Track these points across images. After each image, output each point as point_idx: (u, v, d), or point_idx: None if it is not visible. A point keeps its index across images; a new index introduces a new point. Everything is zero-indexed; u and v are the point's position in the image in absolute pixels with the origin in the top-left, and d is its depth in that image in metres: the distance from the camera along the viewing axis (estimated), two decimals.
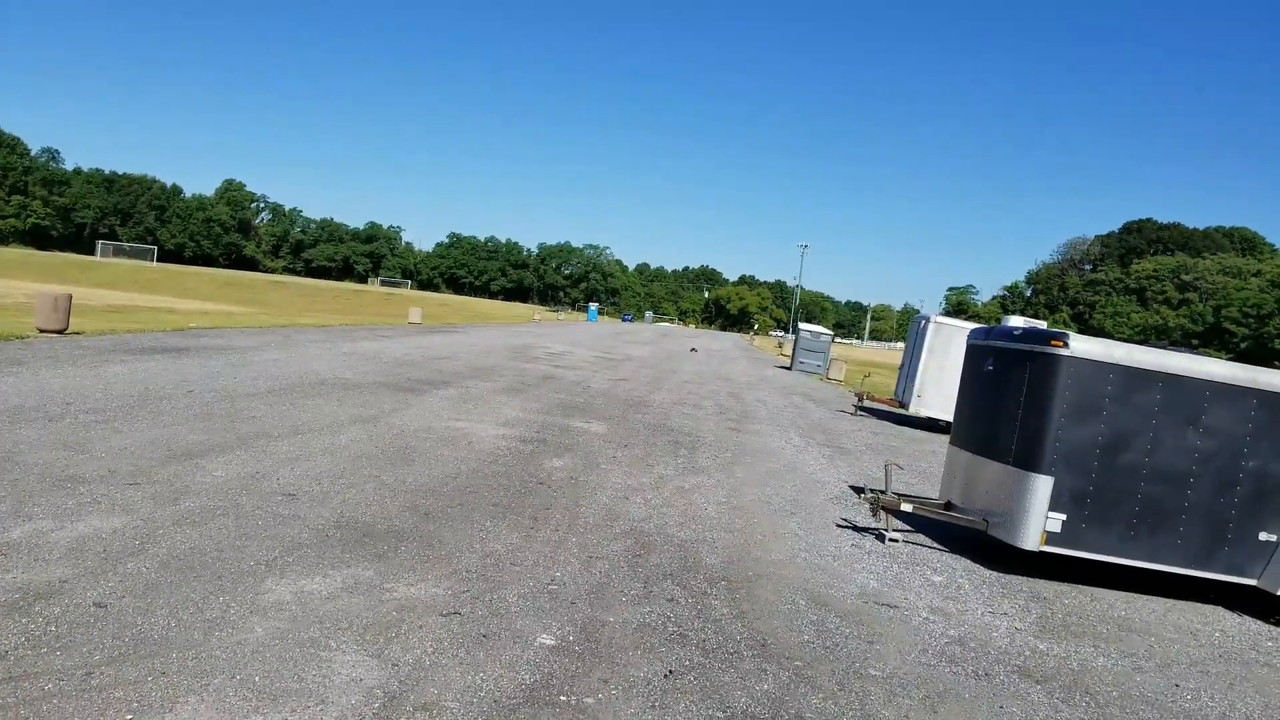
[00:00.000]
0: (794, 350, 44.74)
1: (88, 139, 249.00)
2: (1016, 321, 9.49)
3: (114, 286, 49.33)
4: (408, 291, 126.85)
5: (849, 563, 7.91)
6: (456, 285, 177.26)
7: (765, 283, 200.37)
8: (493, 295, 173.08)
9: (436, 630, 5.07)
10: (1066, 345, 8.23)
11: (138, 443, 8.92)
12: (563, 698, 4.43)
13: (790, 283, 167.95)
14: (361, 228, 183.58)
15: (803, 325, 45.79)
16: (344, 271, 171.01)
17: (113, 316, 25.43)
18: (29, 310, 21.11)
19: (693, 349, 45.48)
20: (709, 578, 6.81)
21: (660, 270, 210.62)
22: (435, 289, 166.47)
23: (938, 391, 20.99)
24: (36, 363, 13.92)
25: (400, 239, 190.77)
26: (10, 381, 11.81)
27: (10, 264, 67.06)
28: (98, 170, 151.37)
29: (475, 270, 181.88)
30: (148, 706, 3.84)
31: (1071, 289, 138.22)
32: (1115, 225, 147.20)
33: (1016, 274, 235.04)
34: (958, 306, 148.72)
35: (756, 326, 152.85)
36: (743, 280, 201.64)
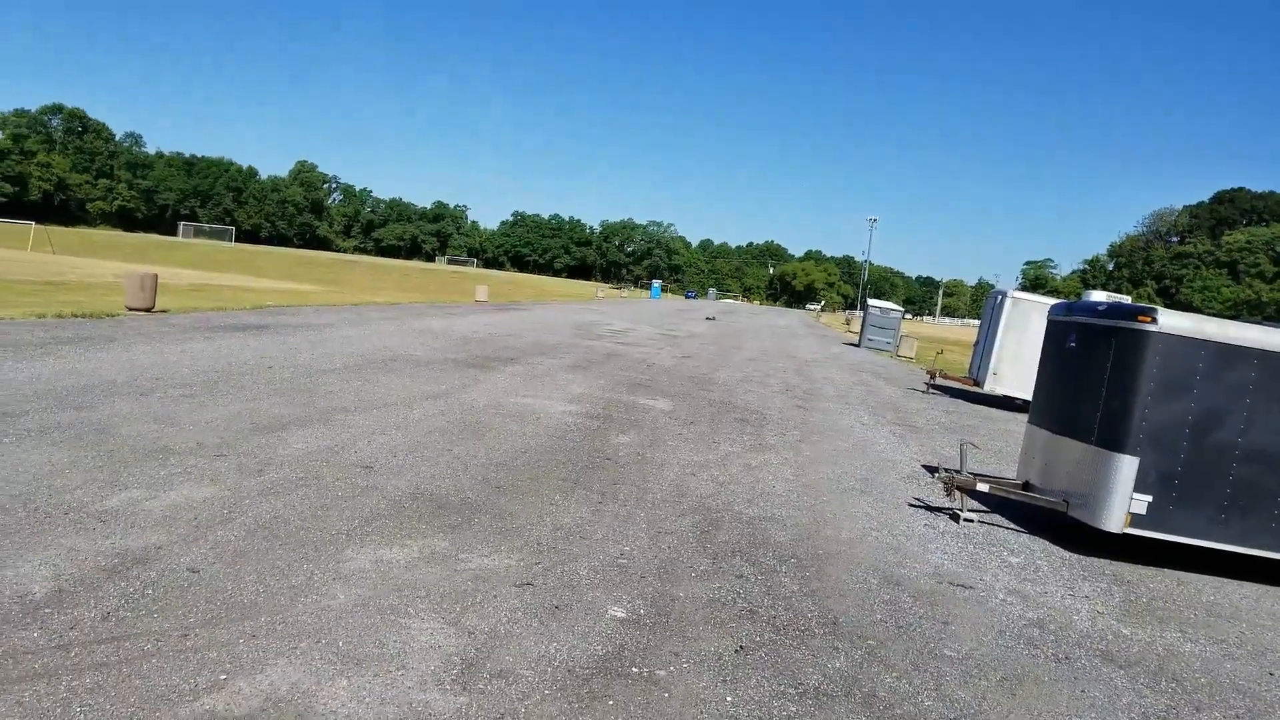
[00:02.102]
0: (862, 327, 44.04)
1: (168, 123, 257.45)
2: (1099, 296, 9.17)
3: (195, 266, 51.02)
4: (474, 270, 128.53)
5: (922, 542, 7.80)
6: (521, 263, 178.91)
7: (832, 258, 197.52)
8: (556, 273, 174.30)
9: (510, 600, 5.18)
10: (1155, 321, 7.94)
11: (223, 416, 9.26)
12: (635, 669, 4.48)
13: (858, 258, 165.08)
14: (429, 207, 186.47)
15: (871, 301, 45.04)
16: (412, 250, 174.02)
17: (195, 295, 26.36)
18: (118, 289, 22.00)
19: (709, 317, 42.13)
20: (778, 555, 6.79)
21: (724, 246, 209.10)
22: (500, 267, 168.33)
23: (1014, 369, 20.47)
24: (127, 339, 14.53)
25: (466, 218, 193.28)
26: (104, 358, 12.36)
27: (99, 245, 69.86)
28: (178, 154, 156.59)
29: (539, 248, 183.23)
30: (240, 667, 4.01)
31: (1157, 262, 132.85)
32: (1205, 195, 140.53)
33: (1098, 247, 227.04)
34: (1035, 281, 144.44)
35: (823, 303, 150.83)
36: (808, 256, 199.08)
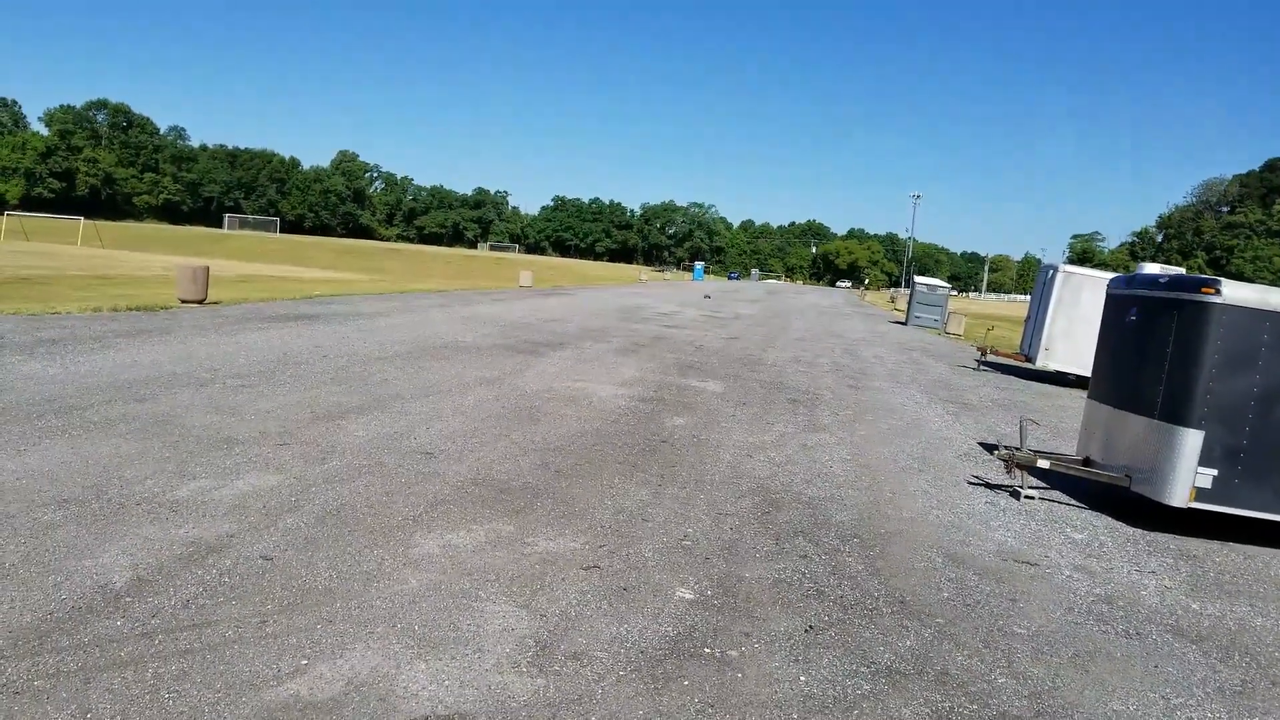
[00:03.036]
0: (909, 305, 43.44)
1: (210, 116, 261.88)
2: (1153, 269, 8.91)
3: (242, 257, 52.06)
4: (516, 255, 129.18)
5: (984, 520, 7.68)
6: (562, 248, 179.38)
7: (875, 236, 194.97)
8: (597, 257, 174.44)
9: (579, 583, 5.20)
10: (1218, 293, 7.70)
11: (282, 405, 9.42)
12: (706, 650, 4.48)
13: (902, 235, 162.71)
14: (470, 194, 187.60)
15: (918, 278, 44.38)
16: (454, 237, 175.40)
17: (244, 286, 26.84)
18: (169, 282, 22.49)
19: (706, 295, 40.45)
20: (840, 535, 6.73)
21: (765, 226, 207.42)
22: (541, 252, 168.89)
23: (1067, 344, 20.04)
24: (182, 331, 14.84)
25: (507, 203, 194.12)
26: (162, 350, 12.64)
27: (147, 238, 71.57)
28: (221, 146, 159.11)
29: (580, 233, 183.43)
30: (320, 652, 4.08)
31: (1207, 233, 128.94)
32: (1255, 164, 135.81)
33: (1146, 219, 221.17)
34: (1082, 255, 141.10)
35: (867, 281, 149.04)
36: (851, 234, 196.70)
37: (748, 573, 5.68)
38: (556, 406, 10.78)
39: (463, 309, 24.81)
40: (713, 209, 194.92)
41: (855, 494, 8.06)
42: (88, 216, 71.96)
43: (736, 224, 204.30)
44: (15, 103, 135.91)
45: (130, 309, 17.54)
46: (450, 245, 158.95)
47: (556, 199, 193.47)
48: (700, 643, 4.55)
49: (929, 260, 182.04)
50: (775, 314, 39.81)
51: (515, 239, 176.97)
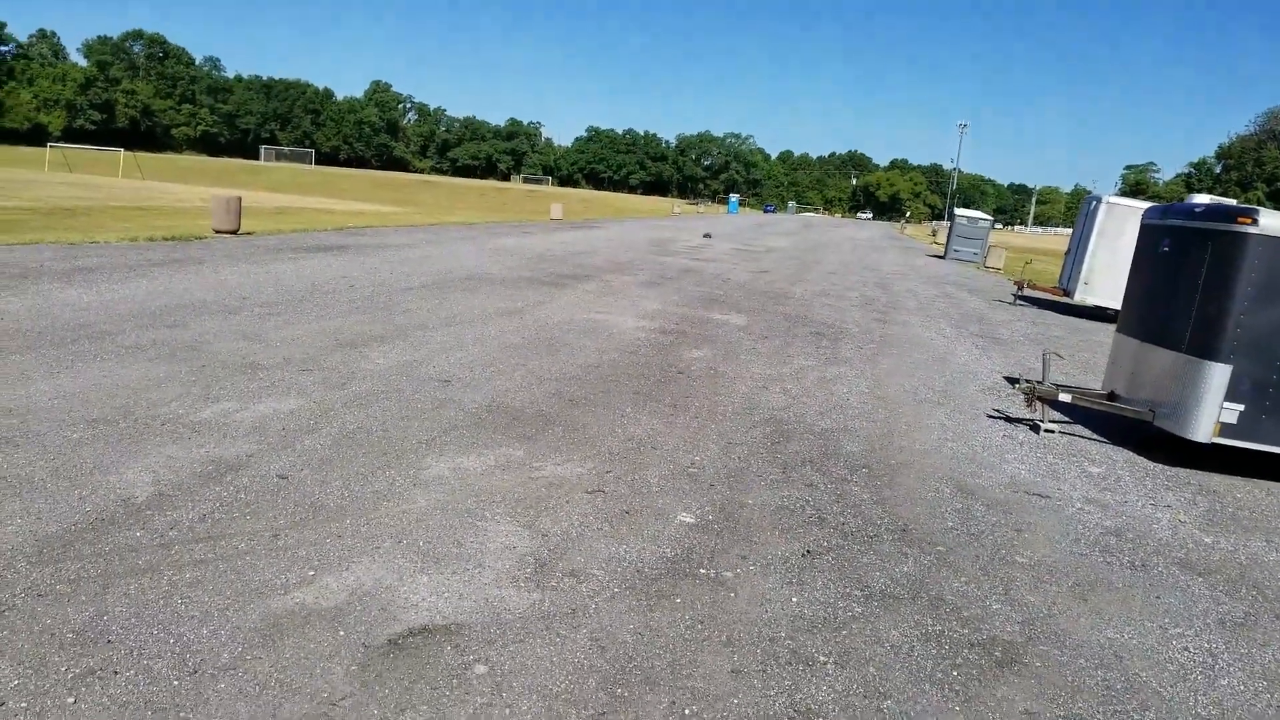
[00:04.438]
0: (948, 238, 42.64)
1: (244, 46, 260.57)
2: (1202, 200, 8.64)
3: (277, 189, 52.34)
4: (549, 188, 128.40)
5: (999, 453, 7.67)
6: (596, 180, 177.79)
7: (918, 167, 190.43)
8: (631, 189, 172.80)
9: (582, 506, 5.31)
10: (1255, 222, 7.46)
11: (307, 333, 9.59)
12: (702, 570, 4.58)
13: (947, 166, 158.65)
14: (503, 125, 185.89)
15: (958, 211, 43.43)
16: (487, 170, 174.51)
17: (278, 217, 27.07)
18: (205, 213, 22.74)
19: (706, 235, 37.74)
20: (849, 465, 6.77)
21: (804, 158, 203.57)
22: (575, 185, 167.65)
23: (1108, 278, 19.59)
24: (215, 261, 15.07)
25: (540, 135, 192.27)
26: (194, 279, 12.87)
27: (186, 170, 72.19)
28: (256, 77, 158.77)
29: (614, 165, 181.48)
30: (327, 564, 4.24)
31: (1270, 164, 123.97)
32: None
33: (1205, 149, 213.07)
34: (1136, 187, 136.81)
35: (909, 214, 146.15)
36: (894, 165, 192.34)
37: (751, 499, 5.75)
38: (576, 338, 10.85)
39: (491, 241, 24.84)
40: (750, 140, 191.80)
41: (869, 426, 8.07)
42: (128, 148, 72.53)
43: (774, 155, 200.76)
44: (54, 34, 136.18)
45: (166, 239, 17.82)
46: (483, 178, 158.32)
47: (590, 130, 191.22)
48: (696, 564, 4.65)
49: (974, 192, 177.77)
50: (809, 247, 39.34)
51: (548, 171, 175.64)
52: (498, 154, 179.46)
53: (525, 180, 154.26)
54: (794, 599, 4.38)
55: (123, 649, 3.39)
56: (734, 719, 3.34)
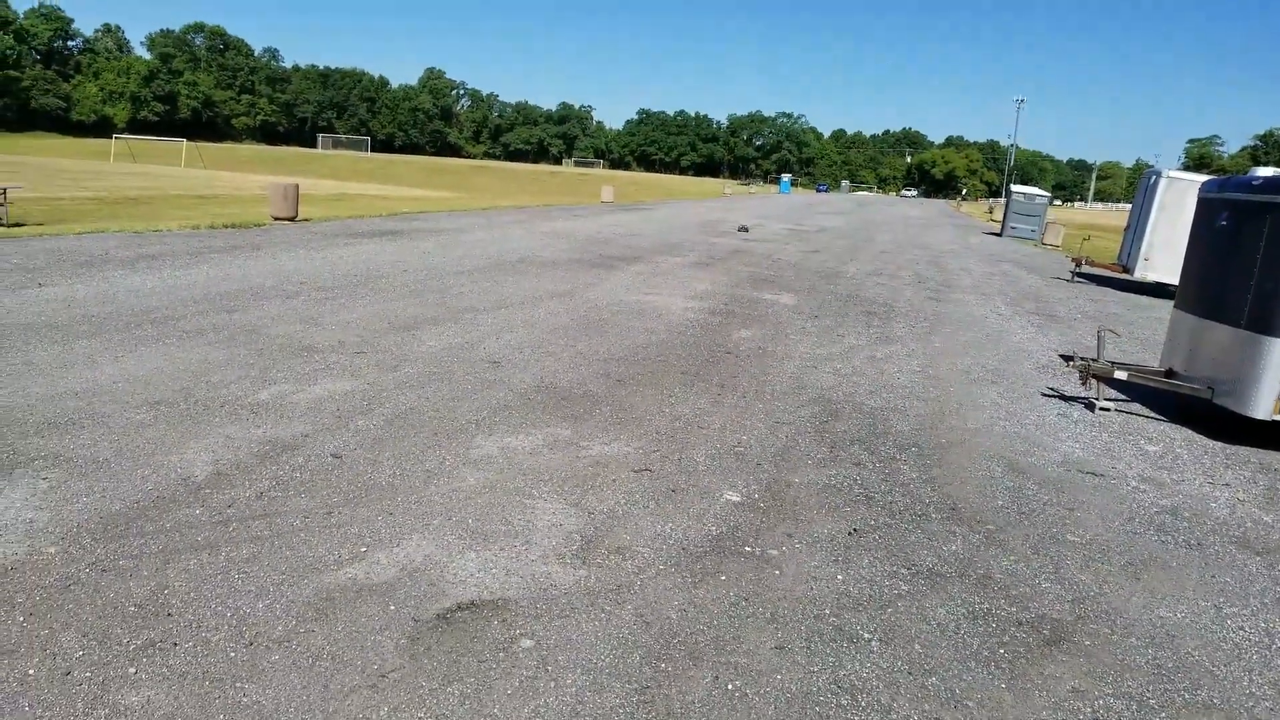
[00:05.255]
0: (1004, 214, 41.66)
1: (301, 36, 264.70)
2: (1266, 173, 8.31)
3: (334, 176, 53.21)
4: (599, 171, 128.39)
5: (1053, 431, 7.50)
6: (647, 162, 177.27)
7: (975, 144, 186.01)
8: (683, 171, 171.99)
9: (628, 484, 5.35)
10: None
11: (362, 316, 9.77)
12: (747, 548, 4.58)
13: (1004, 142, 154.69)
14: (554, 109, 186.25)
15: (1015, 187, 42.41)
16: (539, 154, 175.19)
17: (335, 204, 27.55)
18: (264, 201, 23.24)
19: (741, 228, 28.90)
20: (898, 444, 6.69)
21: (858, 136, 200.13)
22: (626, 167, 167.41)
23: (1168, 254, 18.97)
24: (273, 247, 15.42)
25: (591, 118, 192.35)
26: (253, 264, 13.19)
27: (246, 159, 73.77)
28: (313, 66, 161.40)
29: (665, 146, 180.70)
30: (379, 541, 4.34)
31: None
32: None
33: (1273, 121, 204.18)
34: (1199, 161, 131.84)
35: (965, 191, 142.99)
36: (949, 142, 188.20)
37: (797, 478, 5.73)
38: (625, 319, 10.87)
39: (542, 225, 24.96)
40: (802, 119, 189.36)
41: (919, 405, 7.96)
42: (190, 138, 74.37)
43: (827, 134, 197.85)
44: (118, 28, 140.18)
45: (226, 226, 18.28)
46: (535, 162, 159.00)
47: (641, 112, 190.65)
48: (742, 542, 4.66)
49: (1032, 169, 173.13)
50: (861, 226, 38.77)
51: (599, 154, 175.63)
52: (549, 138, 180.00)
53: (576, 164, 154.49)
54: (839, 577, 4.36)
55: (182, 622, 3.52)
56: (777, 694, 3.35)
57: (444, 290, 11.96)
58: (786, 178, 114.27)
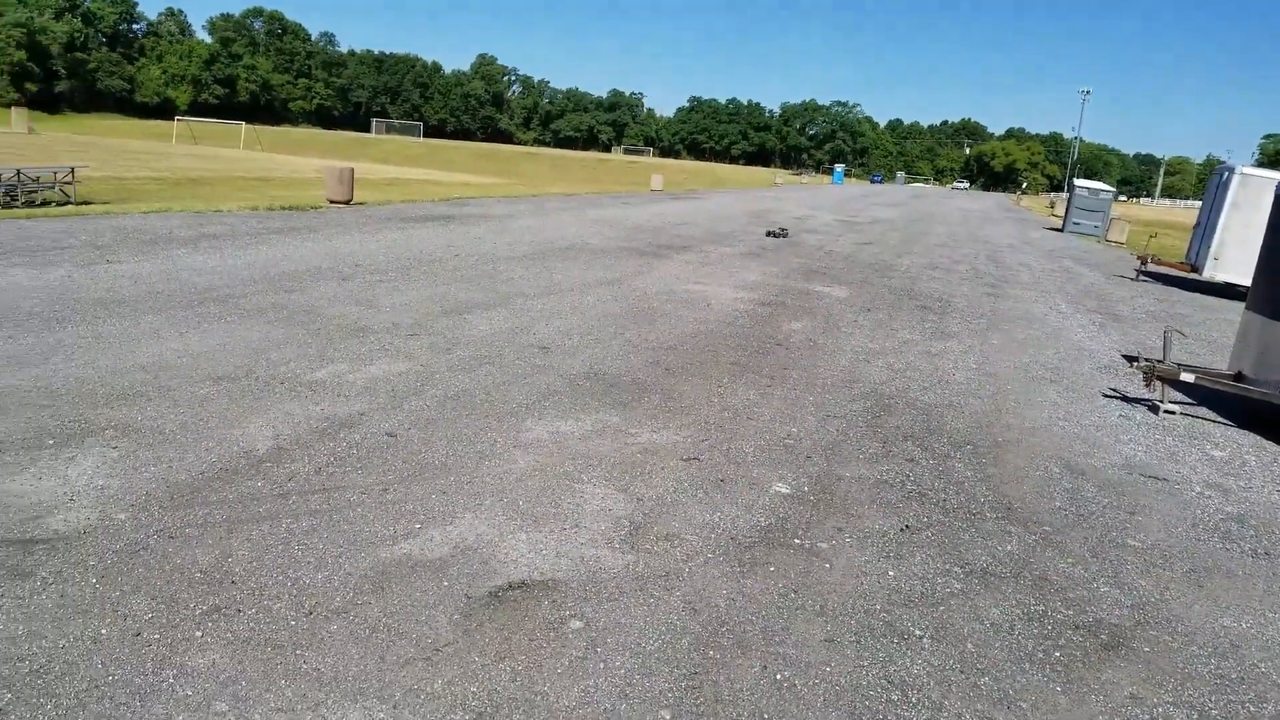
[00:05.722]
0: (1066, 210, 40.67)
1: (357, 21, 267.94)
2: None
3: (387, 161, 53.89)
4: (649, 159, 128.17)
5: (1114, 433, 7.33)
6: (697, 151, 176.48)
7: (1036, 136, 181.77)
8: (733, 160, 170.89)
9: (677, 473, 5.35)
10: None
11: (415, 299, 9.90)
12: (796, 541, 4.56)
13: (1068, 135, 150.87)
14: (605, 96, 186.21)
15: (1078, 181, 41.35)
16: (589, 141, 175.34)
17: (388, 188, 27.91)
18: (319, 184, 23.65)
19: (772, 233, 22.30)
20: (953, 441, 6.60)
21: (914, 126, 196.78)
22: (676, 155, 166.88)
23: (1240, 254, 18.35)
24: (329, 230, 15.68)
25: (642, 105, 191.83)
26: (310, 246, 13.43)
27: (302, 142, 75.03)
28: (368, 51, 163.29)
29: (716, 135, 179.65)
30: (432, 518, 4.41)
31: None
32: None
33: None
34: (1275, 157, 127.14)
35: (1025, 185, 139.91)
36: (1010, 134, 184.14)
37: (848, 472, 5.68)
38: (674, 308, 10.86)
39: (591, 212, 25.01)
40: (857, 108, 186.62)
41: (975, 402, 7.83)
42: (248, 121, 75.87)
43: (883, 124, 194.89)
44: (181, 12, 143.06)
45: (284, 208, 18.63)
46: (585, 149, 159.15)
47: (692, 100, 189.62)
48: (791, 534, 4.64)
49: (1096, 163, 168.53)
50: (916, 218, 38.17)
51: (649, 142, 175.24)
52: (599, 125, 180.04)
53: (626, 151, 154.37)
54: (890, 573, 4.33)
55: (245, 589, 3.61)
56: (826, 687, 3.33)
57: (494, 275, 12.06)
58: (840, 168, 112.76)
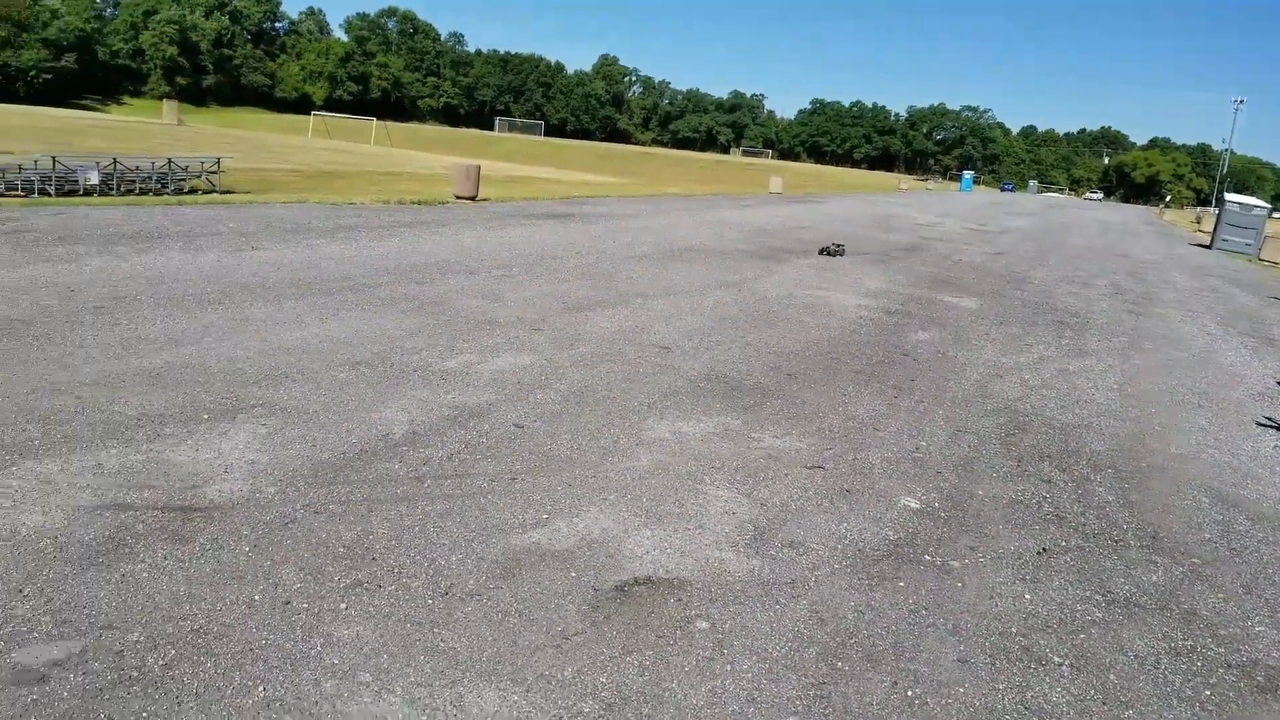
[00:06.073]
0: (1215, 225, 38.10)
1: (485, 22, 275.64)
2: None
3: (508, 158, 55.28)
4: (768, 161, 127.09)
5: (1269, 465, 6.83)
6: (818, 154, 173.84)
7: (1182, 146, 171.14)
8: (855, 164, 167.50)
9: (801, 480, 5.28)
10: None
11: (538, 295, 10.11)
12: (927, 557, 4.43)
13: (1217, 146, 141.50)
14: (725, 97, 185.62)
15: (1229, 196, 38.73)
16: (707, 142, 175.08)
17: (509, 185, 28.61)
18: (444, 180, 24.48)
19: (827, 250, 18.32)
20: (1093, 464, 6.28)
21: (1049, 134, 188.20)
22: (795, 158, 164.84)
23: None
24: (455, 224, 16.19)
25: (763, 107, 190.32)
26: (438, 240, 13.90)
27: (428, 139, 77.85)
28: (494, 51, 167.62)
29: (838, 138, 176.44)
30: (559, 510, 4.49)
31: None
32: None
33: None
34: None
35: (1169, 198, 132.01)
36: (1153, 144, 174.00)
37: (980, 490, 5.48)
38: (795, 313, 10.73)
39: (709, 214, 24.98)
40: (989, 113, 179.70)
41: (1117, 424, 7.43)
42: (379, 118, 79.15)
43: (1015, 130, 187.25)
44: (320, 12, 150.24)
45: (413, 202, 19.35)
46: (703, 150, 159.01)
47: (815, 102, 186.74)
48: (921, 550, 4.50)
49: (1248, 176, 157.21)
50: (1050, 229, 36.51)
51: (769, 144, 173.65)
52: (718, 126, 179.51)
53: (744, 153, 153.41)
54: (1027, 596, 4.15)
55: (384, 566, 3.76)
56: (960, 708, 3.22)
57: (613, 274, 12.19)
58: (968, 175, 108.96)
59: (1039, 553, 4.65)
